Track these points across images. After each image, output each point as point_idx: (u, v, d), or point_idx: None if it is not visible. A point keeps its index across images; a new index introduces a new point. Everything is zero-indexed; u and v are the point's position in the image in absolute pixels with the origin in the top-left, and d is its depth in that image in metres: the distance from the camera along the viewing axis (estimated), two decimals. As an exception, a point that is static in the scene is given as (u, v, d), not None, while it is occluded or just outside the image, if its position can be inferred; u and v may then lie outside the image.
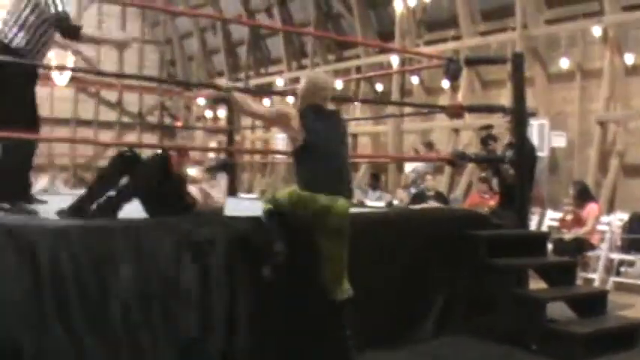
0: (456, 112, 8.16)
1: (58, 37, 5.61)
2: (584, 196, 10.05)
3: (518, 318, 5.79)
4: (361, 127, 17.70)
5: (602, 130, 12.34)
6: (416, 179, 12.83)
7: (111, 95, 24.03)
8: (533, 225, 10.00)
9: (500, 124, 8.33)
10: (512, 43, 13.38)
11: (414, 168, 13.38)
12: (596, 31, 12.20)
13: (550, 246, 8.48)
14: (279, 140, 16.11)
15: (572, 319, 6.01)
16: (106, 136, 23.43)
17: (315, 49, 18.93)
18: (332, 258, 4.77)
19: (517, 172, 6.95)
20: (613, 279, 9.81)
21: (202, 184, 5.31)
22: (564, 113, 13.09)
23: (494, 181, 9.03)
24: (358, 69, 17.56)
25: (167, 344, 4.32)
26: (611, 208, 11.55)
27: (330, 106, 5.22)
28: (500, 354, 5.51)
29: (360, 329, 4.80)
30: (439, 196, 11.10)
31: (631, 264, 10.11)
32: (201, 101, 20.86)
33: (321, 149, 4.77)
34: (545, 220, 11.30)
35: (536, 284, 6.49)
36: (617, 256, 10.05)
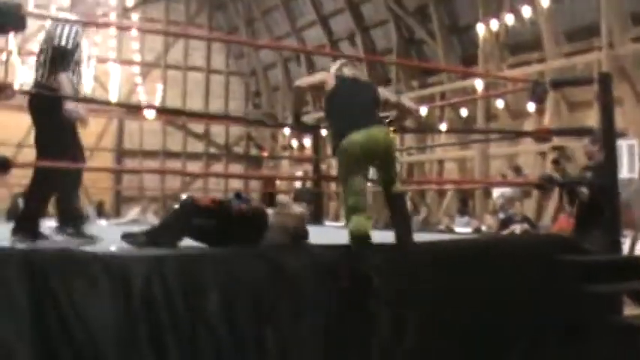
0: (543, 136, 8.07)
1: None
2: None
3: (614, 345, 5.65)
4: (447, 153, 17.61)
5: (695, 149, 11.99)
6: (504, 204, 12.68)
7: (198, 127, 24.52)
8: (625, 249, 9.75)
9: (575, 146, 8.23)
10: (598, 63, 13.12)
11: (502, 193, 13.24)
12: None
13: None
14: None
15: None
16: (194, 167, 23.94)
17: (398, 76, 18.97)
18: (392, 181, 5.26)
19: (607, 195, 6.81)
20: None
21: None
22: (655, 133, 12.78)
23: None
24: (442, 95, 17.49)
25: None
26: None
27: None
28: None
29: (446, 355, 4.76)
30: (527, 221, 10.96)
31: None
32: (287, 131, 21.08)
33: None
34: (639, 243, 10.99)
35: (631, 310, 6.33)
36: None
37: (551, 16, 14.31)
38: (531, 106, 13.83)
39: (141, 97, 22.36)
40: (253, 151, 25.51)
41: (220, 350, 4.23)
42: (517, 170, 14.13)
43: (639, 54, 12.98)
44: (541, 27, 14.51)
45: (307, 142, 17.96)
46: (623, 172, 10.01)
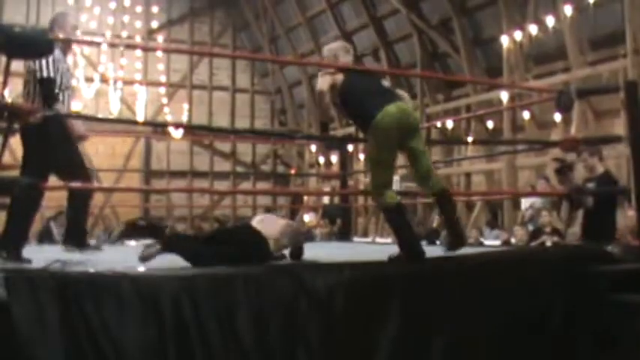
0: (571, 145, 8.05)
1: None
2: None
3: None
4: (475, 166, 17.56)
5: None
6: (533, 215, 12.60)
7: (224, 146, 24.64)
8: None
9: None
10: (623, 71, 13.03)
11: (531, 204, 13.15)
12: None
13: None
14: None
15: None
16: (221, 186, 24.04)
17: (423, 89, 18.96)
18: (422, 154, 5.43)
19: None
20: None
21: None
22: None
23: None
24: (468, 107, 17.47)
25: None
26: None
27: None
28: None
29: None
30: (556, 232, 10.89)
31: None
32: (313, 147, 21.12)
33: None
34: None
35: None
36: None
37: (574, 25, 14.24)
38: (558, 116, 13.76)
39: (167, 117, 22.56)
40: (280, 169, 25.57)
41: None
42: (549, 179, 14.04)
43: (665, 60, 12.90)
44: (565, 36, 14.45)
45: (334, 158, 17.96)
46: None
